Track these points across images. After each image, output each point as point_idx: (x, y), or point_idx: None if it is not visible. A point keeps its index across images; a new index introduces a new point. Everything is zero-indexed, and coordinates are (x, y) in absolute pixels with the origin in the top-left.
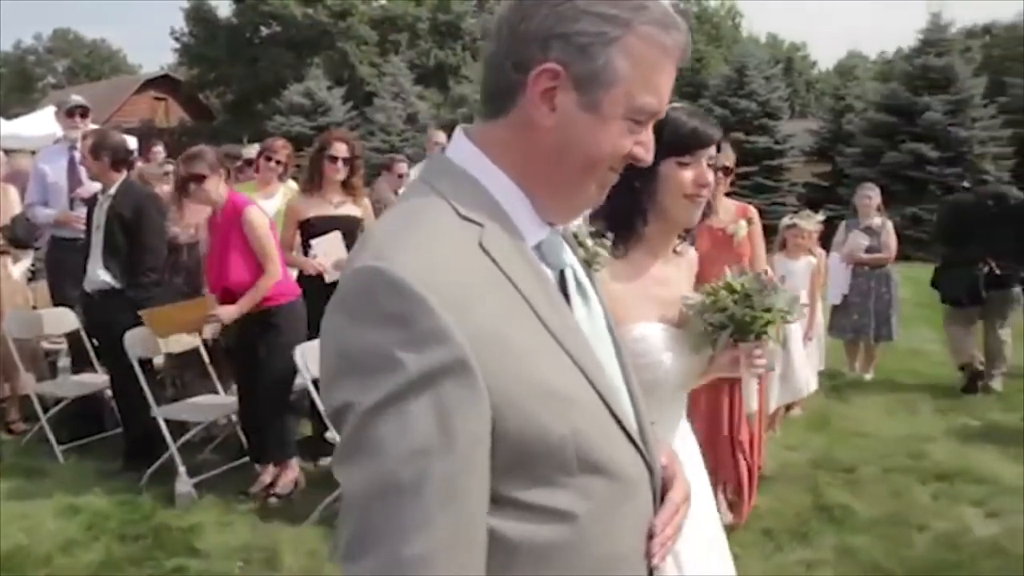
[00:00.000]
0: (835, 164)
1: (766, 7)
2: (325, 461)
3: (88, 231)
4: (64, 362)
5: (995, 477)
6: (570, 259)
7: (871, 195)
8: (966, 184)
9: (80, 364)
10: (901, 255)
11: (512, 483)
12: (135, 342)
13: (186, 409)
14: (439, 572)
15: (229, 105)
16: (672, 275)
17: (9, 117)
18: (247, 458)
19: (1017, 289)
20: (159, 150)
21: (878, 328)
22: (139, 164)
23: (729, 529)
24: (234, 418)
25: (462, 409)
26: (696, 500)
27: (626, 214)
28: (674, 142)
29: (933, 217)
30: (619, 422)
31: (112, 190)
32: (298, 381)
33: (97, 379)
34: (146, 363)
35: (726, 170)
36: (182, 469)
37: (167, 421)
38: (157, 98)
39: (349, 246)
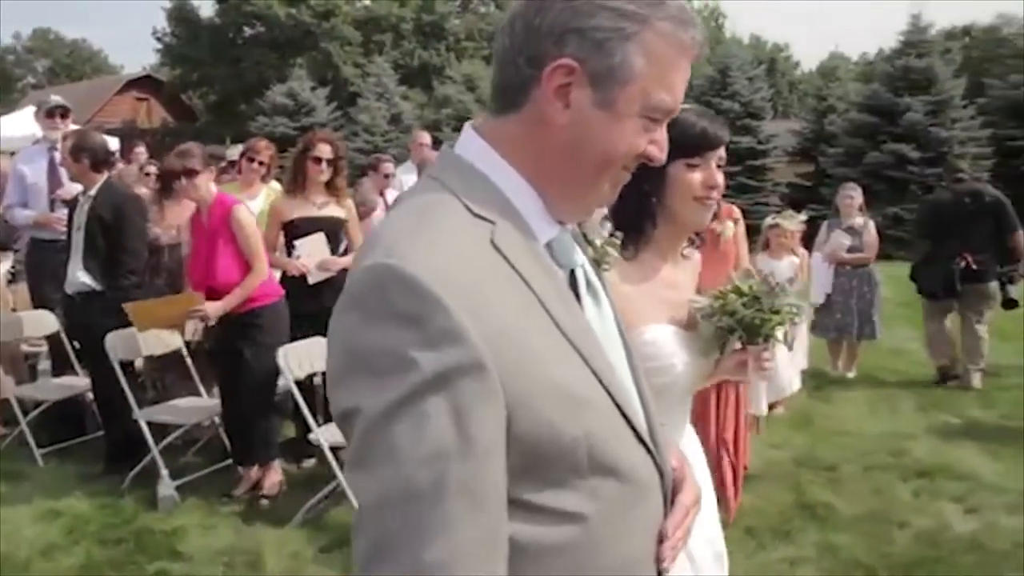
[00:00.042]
0: (817, 164)
1: (749, 8)
2: (308, 463)
3: (69, 233)
4: (44, 365)
5: (974, 474)
6: (580, 259)
7: (853, 195)
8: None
9: (60, 367)
10: (883, 254)
11: (523, 485)
12: (116, 344)
13: (168, 411)
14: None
15: (212, 106)
16: (680, 278)
17: None
18: (230, 461)
19: (994, 284)
20: (141, 151)
21: (861, 327)
22: (119, 165)
23: None
24: (217, 420)
25: (479, 410)
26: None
27: (635, 216)
28: (683, 144)
29: (914, 216)
30: (630, 424)
31: (93, 191)
32: (281, 382)
33: (78, 382)
34: (127, 365)
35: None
36: (164, 472)
37: (149, 424)
38: (139, 99)
39: (333, 247)
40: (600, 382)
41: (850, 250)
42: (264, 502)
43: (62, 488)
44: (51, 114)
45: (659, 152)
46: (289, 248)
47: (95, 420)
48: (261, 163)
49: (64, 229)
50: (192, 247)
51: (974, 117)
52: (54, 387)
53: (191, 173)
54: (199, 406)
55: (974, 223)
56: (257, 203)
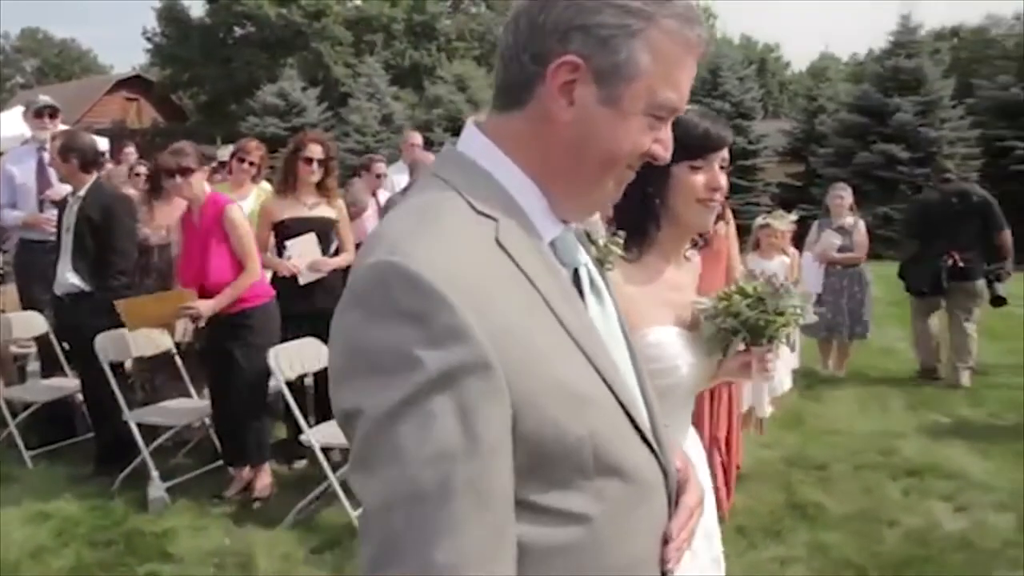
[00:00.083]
0: (808, 164)
1: (740, 8)
2: (300, 464)
3: (58, 233)
4: (33, 366)
5: (963, 472)
6: (584, 258)
7: (843, 195)
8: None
9: (50, 368)
10: (873, 254)
11: (528, 486)
12: (106, 345)
13: (159, 413)
14: None
15: (202, 106)
16: (683, 279)
17: None
18: (220, 462)
19: (981, 282)
20: (131, 151)
21: (851, 326)
22: (108, 166)
23: None
24: (207, 421)
25: (484, 409)
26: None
27: (639, 219)
28: (686, 145)
29: (903, 216)
30: (634, 423)
31: (82, 192)
32: (272, 383)
33: (67, 383)
34: (117, 367)
35: None
36: (155, 474)
37: (139, 425)
38: (129, 99)
39: (323, 248)
40: (604, 381)
41: (840, 250)
42: (258, 504)
43: (51, 490)
44: (40, 114)
45: (663, 151)
46: (280, 249)
47: (85, 422)
48: (251, 163)
49: (53, 230)
50: (183, 247)
51: (963, 117)
52: (43, 389)
53: (186, 171)
54: (189, 407)
55: (961, 222)
56: (248, 203)
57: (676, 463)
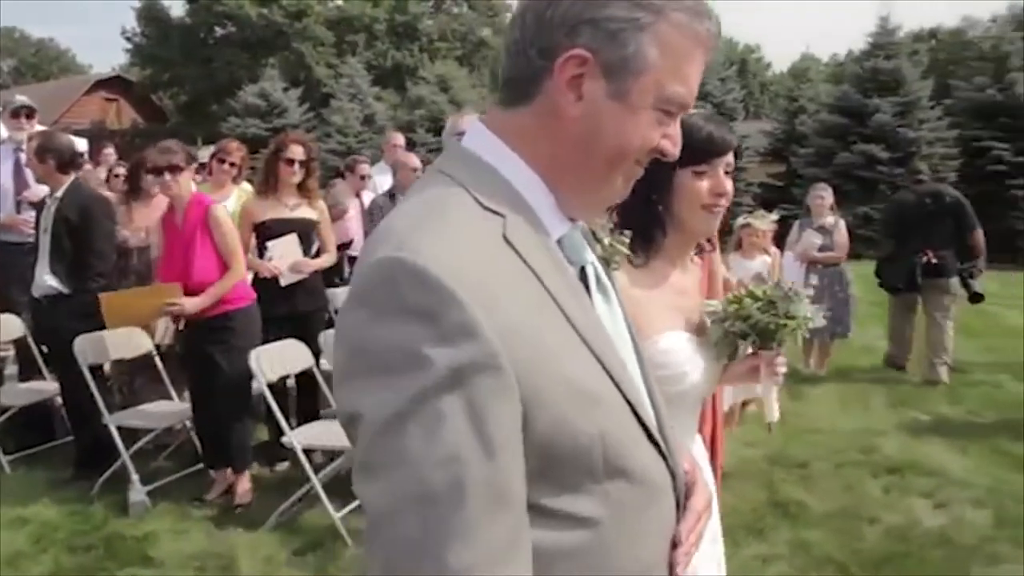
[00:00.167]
0: (789, 164)
1: (721, 9)
2: (282, 466)
3: (36, 235)
4: (11, 369)
5: (942, 469)
6: (590, 256)
7: (824, 195)
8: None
9: (28, 371)
10: (853, 254)
11: (539, 490)
12: (85, 348)
13: (139, 416)
14: None
15: (183, 106)
16: (688, 283)
17: None
18: (201, 465)
19: (954, 279)
20: (110, 152)
21: (833, 326)
22: (87, 167)
23: None
24: (188, 424)
25: (496, 408)
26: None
27: (645, 226)
28: (689, 150)
29: (880, 216)
30: (642, 423)
31: (59, 193)
32: (253, 385)
33: (46, 386)
34: (97, 369)
35: None
36: (135, 477)
37: (119, 428)
38: (108, 99)
39: (305, 249)
40: (612, 379)
41: (821, 249)
42: (240, 509)
43: (30, 495)
44: (16, 114)
45: (672, 147)
46: (261, 250)
47: (64, 425)
48: (232, 164)
49: (31, 231)
50: (165, 248)
51: (941, 118)
52: (21, 392)
53: (176, 169)
54: (170, 410)
55: (935, 222)
56: (228, 205)
57: (684, 465)
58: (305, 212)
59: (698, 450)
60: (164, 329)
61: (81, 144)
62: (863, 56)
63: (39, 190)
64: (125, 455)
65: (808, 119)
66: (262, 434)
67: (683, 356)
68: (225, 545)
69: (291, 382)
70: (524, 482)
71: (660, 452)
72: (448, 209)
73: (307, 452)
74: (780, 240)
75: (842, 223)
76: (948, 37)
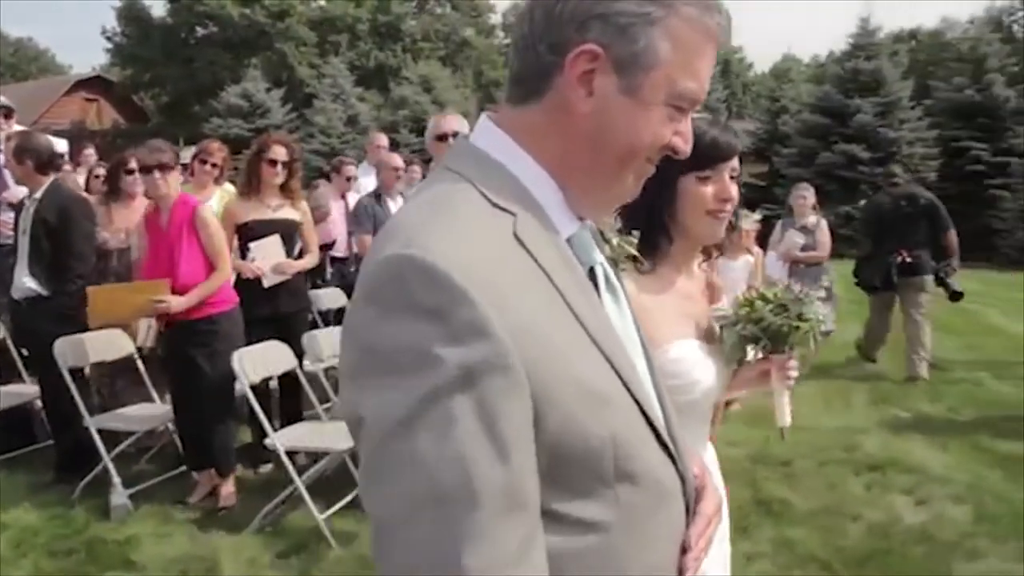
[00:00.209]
0: (772, 164)
1: None
2: (265, 468)
3: (15, 236)
4: None
5: (923, 466)
6: (599, 256)
7: (806, 195)
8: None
9: (7, 374)
10: (834, 253)
11: (550, 494)
12: (65, 351)
13: (120, 419)
14: None
15: (164, 107)
16: (693, 289)
17: None
18: (184, 467)
19: (929, 277)
20: (90, 152)
21: None
22: (67, 168)
23: None
24: (170, 427)
25: (507, 409)
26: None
27: (650, 233)
28: (693, 155)
29: (859, 217)
30: (651, 425)
31: (38, 194)
32: (236, 387)
33: (26, 389)
34: (77, 372)
35: None
36: (117, 480)
37: (100, 431)
38: (89, 99)
39: (288, 250)
40: (621, 379)
41: (804, 249)
42: (224, 512)
43: (10, 499)
44: None
45: (684, 144)
46: (243, 251)
47: (44, 429)
48: (214, 165)
49: (10, 233)
50: (149, 249)
51: (921, 118)
52: (1, 396)
53: (165, 167)
54: (152, 413)
55: (910, 223)
56: (211, 205)
57: (693, 469)
58: (288, 213)
59: (709, 457)
60: (146, 331)
61: (61, 145)
62: (844, 57)
63: (18, 191)
64: (106, 458)
65: (790, 119)
66: (245, 436)
67: (694, 364)
68: (208, 548)
69: (274, 384)
70: (537, 482)
71: (669, 455)
72: (457, 206)
73: (290, 454)
74: (763, 240)
75: (824, 223)
76: (927, 38)
